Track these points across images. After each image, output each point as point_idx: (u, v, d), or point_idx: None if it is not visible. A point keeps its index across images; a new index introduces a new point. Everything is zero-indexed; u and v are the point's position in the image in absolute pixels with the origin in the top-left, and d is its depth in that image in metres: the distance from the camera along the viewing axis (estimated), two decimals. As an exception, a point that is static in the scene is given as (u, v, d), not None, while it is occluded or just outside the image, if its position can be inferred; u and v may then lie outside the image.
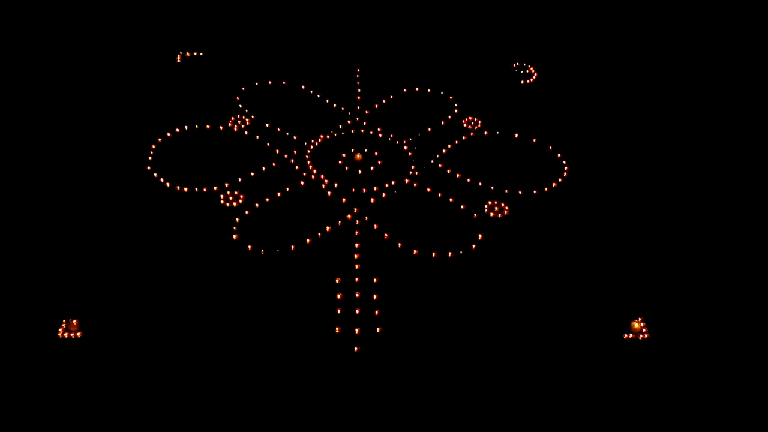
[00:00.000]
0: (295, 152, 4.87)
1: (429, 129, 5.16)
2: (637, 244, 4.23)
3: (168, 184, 4.47)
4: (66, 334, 3.50)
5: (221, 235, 4.14)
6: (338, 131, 5.12)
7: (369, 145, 4.97)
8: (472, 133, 5.15)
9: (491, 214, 4.44)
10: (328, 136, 5.07)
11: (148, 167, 4.57)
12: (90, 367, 3.38)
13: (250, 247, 4.08)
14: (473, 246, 4.18)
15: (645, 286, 3.96)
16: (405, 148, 5.00)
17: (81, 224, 4.09)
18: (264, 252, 4.06)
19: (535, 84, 5.71)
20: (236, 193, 4.44)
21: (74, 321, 3.52)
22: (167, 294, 3.74)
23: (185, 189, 4.46)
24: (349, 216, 4.39)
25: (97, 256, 3.91)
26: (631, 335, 3.70)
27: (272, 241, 4.12)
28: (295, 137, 5.00)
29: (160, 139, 4.79)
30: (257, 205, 4.41)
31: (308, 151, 4.89)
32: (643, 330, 3.71)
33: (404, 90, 5.58)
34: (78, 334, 3.50)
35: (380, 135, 5.13)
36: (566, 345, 3.63)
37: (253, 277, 3.91)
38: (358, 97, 5.47)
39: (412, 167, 4.82)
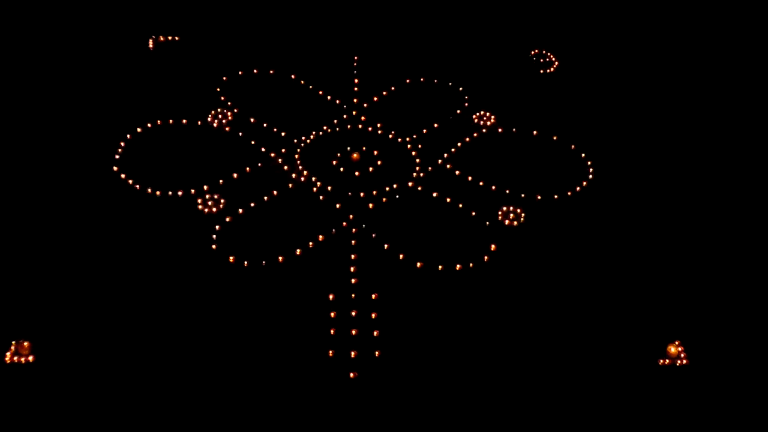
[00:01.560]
0: (283, 151, 4.87)
1: (435, 125, 5.18)
2: (673, 256, 4.24)
3: (137, 187, 4.45)
4: (15, 358, 3.44)
5: (198, 245, 4.14)
6: (332, 127, 5.09)
7: (367, 143, 4.99)
8: (484, 130, 5.18)
9: (506, 222, 4.45)
10: (320, 133, 5.04)
11: (115, 167, 4.55)
12: (41, 396, 3.31)
13: (231, 258, 4.07)
14: (485, 258, 4.19)
15: (683, 304, 3.96)
16: (408, 146, 5.02)
17: (35, 233, 4.05)
18: (247, 264, 4.05)
19: (556, 73, 5.73)
20: (216, 197, 4.44)
21: (25, 343, 3.47)
22: (135, 315, 3.70)
23: (157, 192, 4.44)
24: (344, 224, 4.40)
25: (54, 269, 3.87)
26: (667, 361, 3.71)
27: (257, 253, 4.11)
28: (283, 134, 5.00)
29: (128, 136, 4.78)
30: (240, 210, 4.40)
31: (298, 150, 4.90)
32: (681, 355, 3.71)
33: (407, 80, 5.59)
34: (30, 358, 3.46)
35: (380, 131, 5.10)
36: (593, 374, 3.60)
37: (234, 293, 3.90)
38: (356, 89, 5.46)
39: (416, 168, 4.85)
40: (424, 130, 5.13)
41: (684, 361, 3.70)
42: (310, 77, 5.50)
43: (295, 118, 5.09)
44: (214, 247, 4.14)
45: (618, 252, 4.27)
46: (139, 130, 4.83)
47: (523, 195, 4.66)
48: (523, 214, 4.50)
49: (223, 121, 5.02)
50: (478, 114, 5.26)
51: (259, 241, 4.19)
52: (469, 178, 4.79)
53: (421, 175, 4.80)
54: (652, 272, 4.16)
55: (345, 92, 5.39)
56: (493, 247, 4.27)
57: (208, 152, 4.76)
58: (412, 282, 4.04)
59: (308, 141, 4.97)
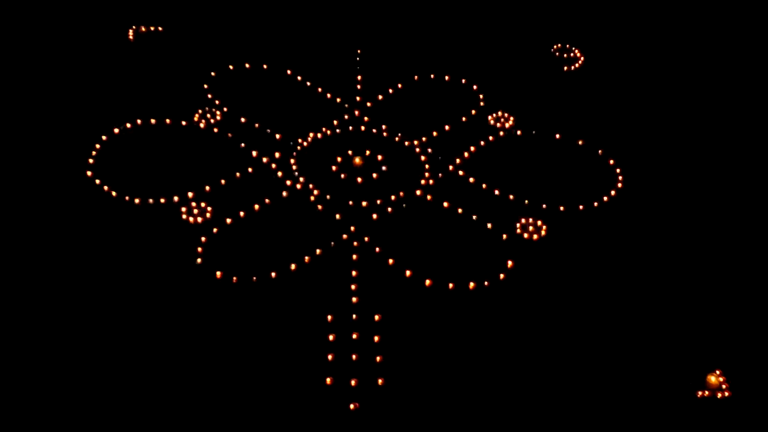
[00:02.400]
0: (277, 155, 4.87)
1: (446, 127, 5.19)
2: (714, 275, 4.22)
3: (114, 194, 4.44)
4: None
5: (182, 259, 4.12)
6: (332, 128, 5.12)
7: (371, 146, 5.00)
8: (501, 133, 5.19)
9: (525, 236, 4.44)
10: (319, 135, 5.06)
11: (89, 172, 4.54)
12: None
13: (218, 274, 4.06)
14: (501, 276, 4.18)
15: (724, 330, 3.94)
16: (416, 150, 5.03)
17: None
18: (236, 281, 4.04)
19: (581, 70, 5.74)
20: (202, 205, 4.44)
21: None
22: (110, 339, 3.67)
23: (136, 200, 4.43)
24: (344, 236, 4.39)
25: (20, 287, 3.84)
26: (706, 392, 3.69)
27: (247, 268, 4.10)
28: (277, 135, 5.01)
29: (104, 137, 4.77)
30: (228, 221, 4.39)
31: (294, 154, 4.91)
32: (723, 386, 3.69)
33: (415, 77, 5.60)
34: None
35: (385, 134, 5.12)
36: (624, 410, 3.57)
37: (221, 313, 3.88)
38: (358, 86, 5.48)
39: (425, 175, 4.85)
40: (434, 133, 5.14)
41: (725, 393, 3.68)
42: (307, 72, 5.51)
43: (290, 118, 5.11)
44: (199, 261, 4.12)
45: (651, 270, 4.25)
46: (116, 130, 4.83)
47: (544, 206, 4.65)
48: (544, 227, 4.49)
49: (211, 121, 5.04)
50: (494, 115, 5.28)
51: (249, 255, 4.18)
52: (484, 186, 4.79)
53: (431, 182, 4.80)
54: (690, 293, 4.14)
55: (346, 89, 5.41)
56: (510, 263, 4.25)
57: (193, 156, 4.76)
58: (419, 302, 4.03)
59: (305, 144, 4.99)
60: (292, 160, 4.86)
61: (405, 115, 5.24)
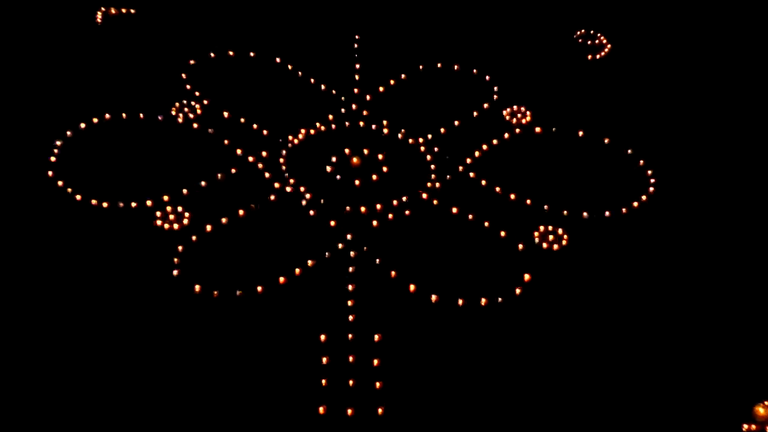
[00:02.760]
0: (264, 154, 4.85)
1: (456, 122, 5.17)
2: (759, 293, 4.19)
3: (79, 197, 4.42)
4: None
5: (156, 270, 4.10)
6: (327, 124, 5.10)
7: (370, 144, 4.99)
8: (517, 130, 5.19)
9: (544, 245, 4.42)
10: (312, 131, 5.04)
11: (50, 172, 4.52)
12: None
13: (197, 287, 4.03)
14: (517, 291, 4.16)
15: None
16: (421, 149, 4.99)
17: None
18: (217, 295, 4.02)
19: (608, 59, 5.73)
20: (179, 210, 4.41)
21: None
22: (76, 359, 3.65)
23: (105, 204, 4.41)
24: (340, 245, 4.36)
25: None
26: (753, 426, 3.65)
27: (230, 281, 4.08)
28: (265, 132, 4.99)
29: (68, 133, 4.76)
30: (209, 228, 4.36)
31: (283, 152, 4.89)
32: (772, 418, 3.68)
33: (420, 67, 5.58)
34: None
35: (386, 130, 5.11)
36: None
37: (201, 331, 3.85)
38: (356, 76, 5.46)
39: (432, 177, 4.81)
40: (442, 129, 5.12)
41: (775, 427, 3.67)
42: (299, 61, 5.50)
43: (279, 112, 5.10)
44: (175, 273, 4.09)
45: (687, 288, 4.23)
46: (82, 125, 4.81)
47: (565, 212, 4.64)
48: (565, 237, 4.46)
49: (190, 115, 5.01)
50: (509, 109, 5.25)
51: (232, 267, 4.16)
52: (498, 190, 4.77)
53: (438, 185, 4.78)
54: (733, 314, 4.10)
55: (342, 80, 5.40)
56: (527, 277, 4.23)
57: (169, 154, 4.73)
58: (425, 321, 4.00)
59: (296, 141, 4.95)
60: (282, 160, 4.83)
61: (409, 109, 5.24)
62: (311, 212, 4.53)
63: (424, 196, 4.69)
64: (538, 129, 5.15)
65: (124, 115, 4.90)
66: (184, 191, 4.53)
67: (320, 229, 4.44)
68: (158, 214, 4.36)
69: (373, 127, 5.10)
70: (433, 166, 4.88)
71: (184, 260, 4.17)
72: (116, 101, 4.95)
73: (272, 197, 4.59)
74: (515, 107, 5.26)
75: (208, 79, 5.27)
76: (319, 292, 4.10)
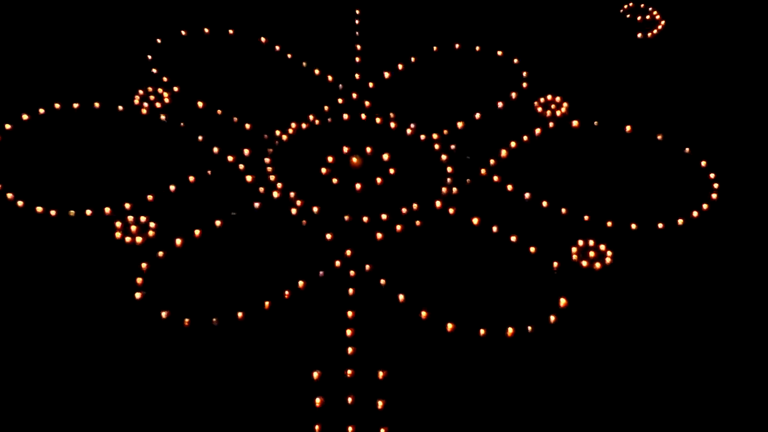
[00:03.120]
0: (246, 152, 4.89)
1: (477, 115, 5.17)
2: None
3: (21, 204, 4.45)
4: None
5: (116, 293, 4.10)
6: (321, 116, 5.14)
7: (374, 141, 5.02)
8: (551, 124, 5.19)
9: (583, 264, 4.44)
10: (303, 125, 5.08)
11: None
12: None
13: (164, 314, 4.04)
14: (551, 318, 4.17)
15: None
16: (436, 147, 5.02)
17: None
18: (189, 324, 4.03)
19: (661, 39, 5.75)
20: (143, 220, 4.43)
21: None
22: (25, 394, 3.67)
23: (52, 212, 4.43)
24: (337, 263, 4.38)
25: None
26: None
27: (203, 306, 4.09)
28: (247, 126, 5.02)
29: (8, 126, 4.79)
30: (179, 242, 4.38)
31: (269, 150, 4.92)
32: None
33: (434, 48, 5.62)
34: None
35: (393, 124, 5.14)
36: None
37: (168, 366, 3.85)
38: (357, 59, 5.51)
39: (448, 181, 4.85)
40: (460, 123, 5.12)
41: None
42: (287, 41, 5.54)
43: (265, 103, 5.13)
44: (138, 296, 4.10)
45: (756, 312, 4.21)
46: (25, 117, 4.83)
47: (609, 223, 4.63)
48: (609, 253, 4.46)
49: (157, 105, 5.04)
50: (542, 99, 5.25)
51: (207, 289, 4.17)
52: (527, 197, 4.77)
53: (455, 190, 4.80)
54: None
55: (340, 64, 5.44)
56: (563, 302, 4.23)
57: (131, 152, 4.77)
58: (439, 354, 4.00)
59: (285, 137, 4.99)
60: (267, 159, 4.86)
61: (420, 99, 5.27)
62: (303, 222, 4.56)
63: (439, 203, 4.71)
64: (575, 123, 5.17)
65: (75, 105, 4.94)
66: (149, 197, 4.55)
67: (313, 244, 4.45)
68: (118, 224, 4.37)
69: (378, 120, 5.15)
70: (449, 168, 4.91)
71: (149, 281, 4.18)
72: (66, 87, 5.00)
73: (256, 205, 4.62)
74: (549, 97, 5.28)
75: (179, 61, 5.30)
76: (312, 319, 4.10)
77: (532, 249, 4.48)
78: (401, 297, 4.22)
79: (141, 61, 5.25)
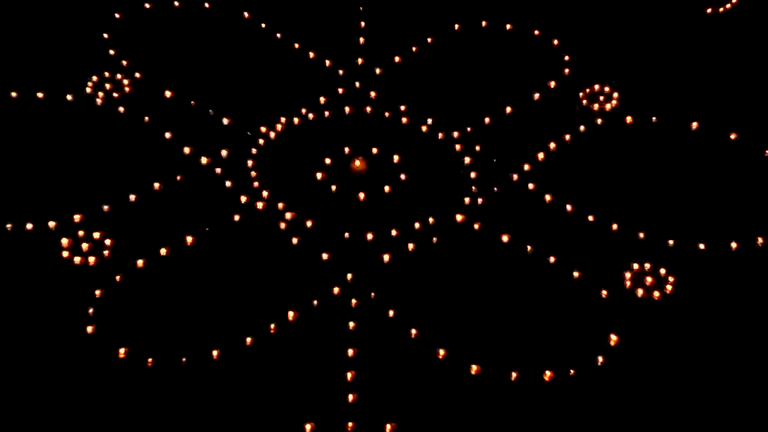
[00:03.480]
0: (225, 153, 4.92)
1: (507, 109, 5.20)
2: None
3: None
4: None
5: (64, 326, 4.12)
6: (318, 110, 5.18)
7: (380, 140, 5.06)
8: (598, 120, 5.23)
9: (638, 293, 4.44)
10: (296, 121, 5.12)
11: None
12: None
13: (122, 351, 4.06)
14: (599, 360, 4.18)
15: None
16: (456, 148, 5.06)
17: None
18: (152, 365, 4.04)
19: (733, 15, 5.78)
20: (97, 237, 4.45)
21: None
22: None
23: None
24: (336, 289, 4.40)
25: None
26: None
27: (170, 342, 4.11)
28: (225, 121, 5.07)
29: None
30: (140, 263, 4.40)
31: (253, 151, 4.97)
32: None
33: (456, 26, 5.65)
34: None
35: (405, 119, 5.17)
36: None
37: (126, 414, 3.87)
38: (361, 39, 5.55)
39: (472, 189, 4.87)
40: (487, 119, 5.16)
41: None
42: (276, 18, 5.59)
43: (249, 93, 5.18)
44: (90, 329, 4.11)
45: None
46: None
47: (671, 242, 4.64)
48: (671, 279, 4.47)
49: (114, 95, 5.08)
50: (587, 90, 5.30)
51: (175, 322, 4.19)
52: (570, 209, 4.80)
53: (480, 201, 4.83)
54: None
55: (341, 46, 5.47)
56: (614, 339, 4.24)
57: (82, 152, 4.81)
58: (460, 402, 4.01)
59: (272, 135, 5.03)
60: (250, 162, 4.89)
61: (438, 88, 5.30)
62: (294, 241, 4.57)
63: (460, 217, 4.73)
64: (629, 119, 5.20)
65: (13, 93, 5.01)
66: (105, 208, 4.58)
67: (306, 266, 4.48)
68: (65, 241, 4.40)
69: (386, 114, 5.17)
70: (473, 174, 4.93)
71: (103, 311, 4.20)
72: (3, 74, 5.07)
73: (236, 218, 4.64)
74: (596, 86, 5.31)
75: (142, 40, 5.35)
76: (304, 359, 4.12)
77: (576, 274, 4.50)
78: (414, 332, 4.24)
79: (95, 41, 5.30)
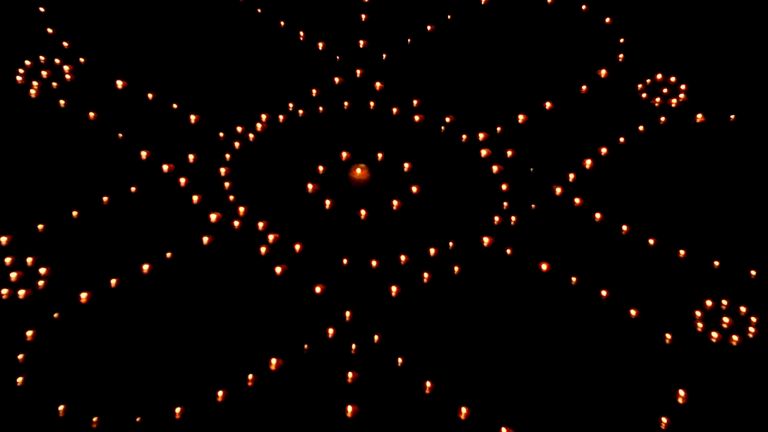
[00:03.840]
0: (192, 159, 4.96)
1: (547, 104, 5.24)
2: None
3: None
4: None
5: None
6: (308, 105, 5.20)
7: (388, 143, 5.08)
8: (661, 118, 5.23)
9: (712, 336, 4.47)
10: (280, 118, 5.15)
11: None
12: None
13: (61, 409, 4.10)
14: (663, 422, 4.22)
15: None
16: (483, 153, 5.08)
17: None
18: (97, 425, 4.07)
19: None
20: (29, 262, 4.50)
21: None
22: None
23: None
24: (331, 331, 4.44)
25: None
26: None
27: (124, 398, 4.16)
28: (193, 118, 5.11)
29: None
30: (84, 296, 4.41)
31: (227, 158, 5.00)
32: None
33: (483, 0, 5.66)
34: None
35: (417, 118, 5.19)
36: None
37: None
38: (362, 15, 5.56)
39: (503, 206, 4.91)
40: (521, 116, 5.18)
41: None
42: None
43: (222, 84, 5.22)
44: (20, 381, 4.18)
45: None
46: None
47: (753, 273, 4.67)
48: (753, 319, 4.49)
49: (53, 84, 5.15)
50: (648, 81, 5.32)
51: (128, 371, 4.24)
52: (625, 230, 4.84)
53: (512, 220, 4.88)
54: None
55: (338, 24, 5.51)
56: (681, 395, 4.27)
57: (11, 157, 4.92)
58: None
59: (251, 136, 5.08)
60: (224, 170, 4.93)
61: (459, 78, 5.31)
62: (277, 270, 4.57)
63: (487, 240, 4.73)
64: (699, 116, 5.20)
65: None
66: (39, 227, 4.63)
67: (294, 302, 4.52)
68: (6, 262, 4.50)
69: (394, 111, 5.17)
70: (504, 186, 4.93)
71: (37, 356, 4.24)
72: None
73: (204, 240, 4.64)
74: (658, 76, 5.32)
75: (87, 17, 5.37)
76: (292, 418, 4.17)
77: (633, 312, 4.50)
78: (428, 385, 4.27)
79: (29, 16, 5.34)
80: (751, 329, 4.41)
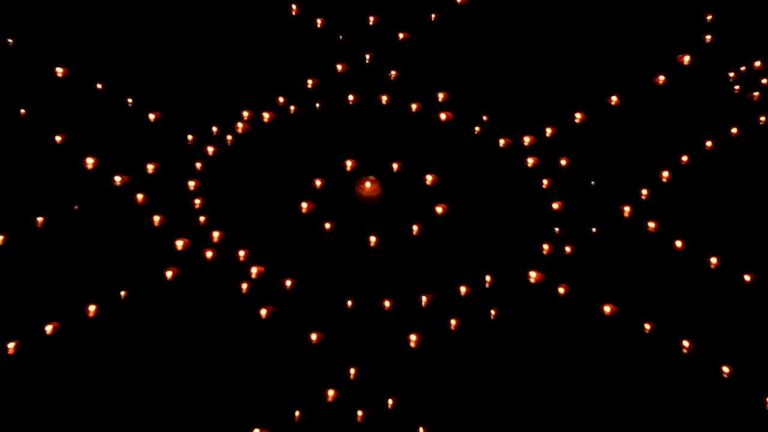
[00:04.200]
0: (151, 169, 4.94)
1: (614, 99, 5.23)
2: None
3: None
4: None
5: None
6: (303, 100, 5.13)
7: (405, 148, 5.04)
8: (761, 118, 5.18)
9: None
10: (266, 116, 5.08)
11: None
12: None
13: None
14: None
15: None
16: (529, 163, 5.04)
17: None
18: None
19: None
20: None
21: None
22: None
23: None
24: (331, 393, 4.43)
25: None
26: None
27: None
28: (152, 116, 5.09)
29: None
30: (10, 347, 4.44)
31: (197, 167, 4.96)
32: None
33: None
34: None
35: (444, 116, 5.12)
36: None
37: None
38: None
39: (555, 230, 4.88)
40: (578, 115, 5.16)
41: None
42: None
43: (194, 73, 5.25)
44: None
45: None
46: None
47: None
48: None
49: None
50: (740, 70, 5.32)
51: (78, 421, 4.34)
52: (715, 263, 4.94)
53: (567, 250, 4.86)
54: None
55: (342, 11, 5.47)
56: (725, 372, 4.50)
57: None
58: None
59: (228, 138, 5.08)
60: (193, 184, 4.92)
61: (496, 66, 5.26)
62: (262, 312, 4.47)
63: (534, 276, 4.66)
64: None
65: None
66: None
67: (284, 354, 4.49)
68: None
69: (413, 107, 5.10)
70: (555, 204, 4.87)
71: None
72: None
73: (168, 274, 4.57)
74: (757, 63, 5.27)
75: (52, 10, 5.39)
76: None
77: (726, 370, 4.56)
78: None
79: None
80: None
